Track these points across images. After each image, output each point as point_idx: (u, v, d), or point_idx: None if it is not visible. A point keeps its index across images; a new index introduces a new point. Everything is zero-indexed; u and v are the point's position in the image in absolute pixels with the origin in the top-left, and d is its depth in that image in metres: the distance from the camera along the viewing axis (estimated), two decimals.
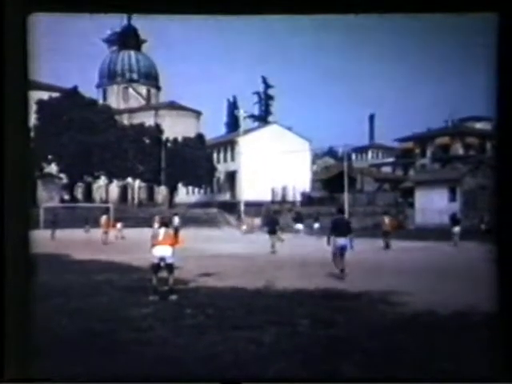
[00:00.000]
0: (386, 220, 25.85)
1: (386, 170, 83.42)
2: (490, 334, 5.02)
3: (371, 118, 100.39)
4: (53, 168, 60.44)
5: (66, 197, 62.89)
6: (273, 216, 26.60)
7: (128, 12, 5.07)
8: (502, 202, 4.92)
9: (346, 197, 54.75)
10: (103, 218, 30.65)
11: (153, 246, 11.46)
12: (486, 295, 5.08)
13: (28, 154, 4.93)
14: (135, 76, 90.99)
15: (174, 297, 10.76)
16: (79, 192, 68.60)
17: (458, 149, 64.41)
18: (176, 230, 28.33)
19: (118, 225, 32.18)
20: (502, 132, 4.90)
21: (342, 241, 14.00)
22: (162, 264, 11.36)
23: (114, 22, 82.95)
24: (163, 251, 11.36)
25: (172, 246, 11.49)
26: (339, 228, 14.25)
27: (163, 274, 11.38)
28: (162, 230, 11.59)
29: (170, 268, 11.35)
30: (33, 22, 4.74)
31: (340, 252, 13.96)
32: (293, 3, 4.84)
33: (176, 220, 30.19)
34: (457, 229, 27.31)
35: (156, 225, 28.40)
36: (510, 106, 4.80)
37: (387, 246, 24.19)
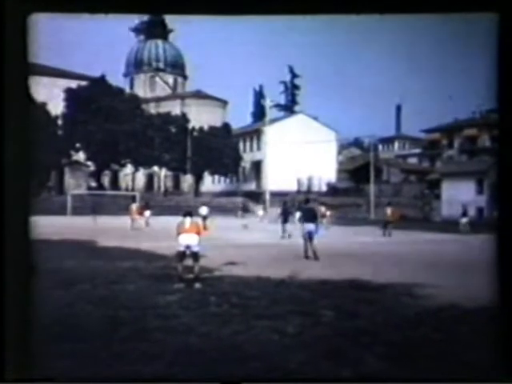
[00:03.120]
0: (388, 211, 27.88)
1: (413, 161, 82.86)
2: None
3: (398, 108, 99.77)
4: (80, 156, 61.05)
5: (93, 184, 63.47)
6: (286, 207, 28.05)
7: (130, 12, 5.05)
8: (504, 196, 4.90)
9: (371, 188, 54.54)
10: (133, 206, 32.51)
11: (179, 234, 11.54)
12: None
13: (28, 157, 4.96)
14: (162, 65, 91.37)
15: (198, 285, 10.83)
16: (106, 180, 69.23)
17: (486, 140, 63.67)
18: (204, 219, 28.85)
19: (147, 212, 33.17)
20: (504, 127, 4.89)
21: (309, 226, 16.20)
22: (188, 252, 11.44)
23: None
24: (189, 239, 11.42)
25: (198, 234, 11.55)
26: (306, 216, 16.62)
27: (188, 262, 11.46)
28: (188, 219, 11.65)
29: (195, 256, 11.42)
30: (33, 21, 4.77)
31: (308, 236, 16.11)
32: (310, 3, 4.82)
33: (204, 209, 30.66)
34: (464, 220, 31.69)
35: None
36: (510, 106, 4.79)
37: (389, 235, 26.16)
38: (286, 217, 25.84)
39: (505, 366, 4.92)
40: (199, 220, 18.64)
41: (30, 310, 5.02)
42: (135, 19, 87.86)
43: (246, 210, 34.94)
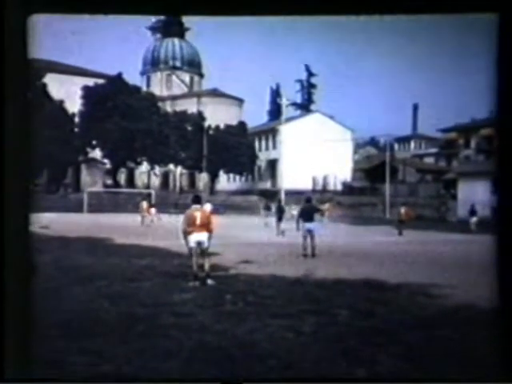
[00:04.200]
0: (402, 210, 28.39)
1: (429, 160, 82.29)
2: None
3: (414, 107, 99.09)
4: (97, 153, 61.27)
5: (109, 182, 63.67)
6: (280, 205, 28.71)
7: (129, 13, 5.06)
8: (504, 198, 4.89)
9: (387, 187, 54.27)
10: (144, 203, 33.66)
11: (191, 231, 11.49)
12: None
13: (29, 155, 4.99)
14: (178, 63, 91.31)
15: (210, 281, 10.86)
16: (122, 178, 69.41)
17: None
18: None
19: (153, 210, 33.76)
20: (504, 127, 4.87)
21: (309, 225, 16.43)
22: (198, 250, 11.42)
23: None
24: (200, 236, 11.40)
25: (208, 230, 11.52)
26: (307, 214, 16.77)
27: (200, 259, 11.48)
28: (199, 214, 11.59)
29: (205, 252, 11.44)
30: (33, 22, 4.80)
31: (309, 235, 16.26)
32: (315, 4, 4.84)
33: (208, 206, 30.76)
34: (474, 219, 31.87)
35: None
36: (510, 106, 4.77)
37: (400, 234, 26.43)
38: (280, 215, 26.28)
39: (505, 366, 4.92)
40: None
41: (30, 309, 5.04)
42: (136, 20, 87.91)
43: (268, 208, 34.96)
